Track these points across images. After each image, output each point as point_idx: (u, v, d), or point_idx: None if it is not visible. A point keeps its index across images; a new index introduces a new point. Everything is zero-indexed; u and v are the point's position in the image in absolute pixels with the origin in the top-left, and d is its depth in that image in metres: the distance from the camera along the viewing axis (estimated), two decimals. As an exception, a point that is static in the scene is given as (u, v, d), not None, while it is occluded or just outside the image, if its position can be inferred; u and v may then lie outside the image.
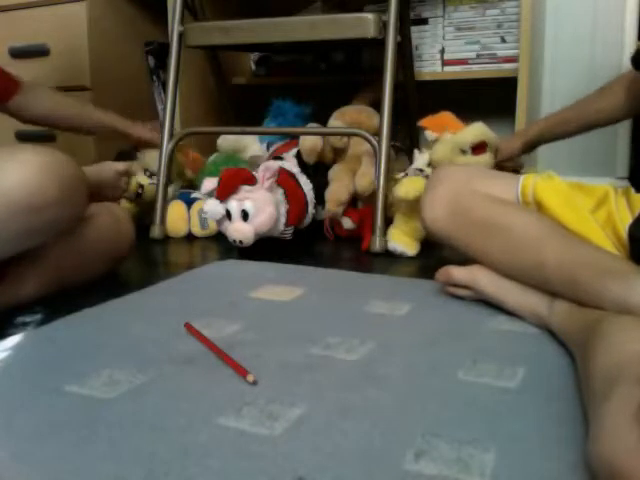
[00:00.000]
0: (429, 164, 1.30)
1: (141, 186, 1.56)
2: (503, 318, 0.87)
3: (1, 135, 1.95)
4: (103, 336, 0.83)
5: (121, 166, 1.34)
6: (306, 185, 1.43)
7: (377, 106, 1.40)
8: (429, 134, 1.30)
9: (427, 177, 1.25)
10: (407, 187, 1.25)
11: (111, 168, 1.30)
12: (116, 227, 1.10)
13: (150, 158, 1.59)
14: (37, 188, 0.86)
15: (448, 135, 1.27)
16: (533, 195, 0.89)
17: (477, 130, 1.25)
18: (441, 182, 0.94)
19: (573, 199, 0.87)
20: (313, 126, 1.59)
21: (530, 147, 1.38)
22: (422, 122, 1.34)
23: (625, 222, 0.82)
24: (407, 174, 1.31)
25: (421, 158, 1.32)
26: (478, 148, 1.25)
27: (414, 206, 1.26)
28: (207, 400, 0.64)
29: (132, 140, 1.61)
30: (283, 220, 1.31)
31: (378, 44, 1.37)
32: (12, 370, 0.73)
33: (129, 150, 1.64)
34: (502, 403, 0.63)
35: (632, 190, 0.87)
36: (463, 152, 1.25)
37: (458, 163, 1.24)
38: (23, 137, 1.96)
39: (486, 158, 1.25)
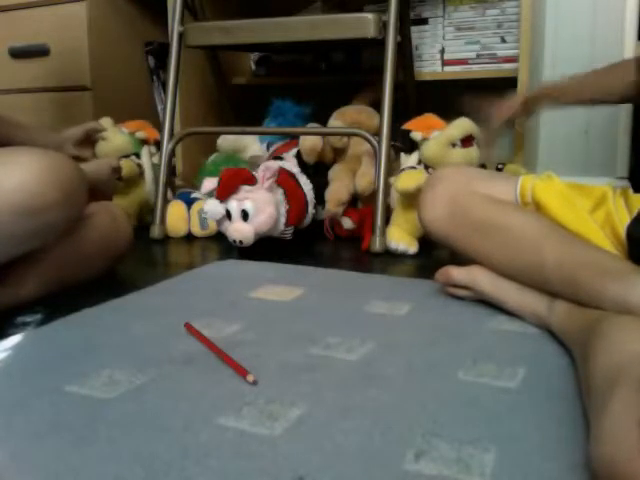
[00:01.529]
0: (419, 162, 1.36)
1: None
2: (503, 318, 0.87)
3: None
4: (103, 336, 0.83)
5: (115, 162, 1.34)
6: (306, 185, 1.43)
7: (377, 106, 1.40)
8: (416, 135, 1.36)
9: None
10: (406, 180, 1.29)
11: (107, 165, 1.31)
12: (114, 225, 1.10)
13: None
14: (38, 191, 0.86)
15: (436, 132, 1.34)
16: (532, 196, 0.89)
17: (465, 124, 1.32)
18: (440, 182, 0.94)
19: (572, 199, 0.87)
20: (313, 126, 1.59)
21: (532, 107, 1.31)
22: (407, 125, 1.40)
23: (623, 222, 0.82)
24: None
25: (410, 159, 1.38)
26: (466, 141, 1.32)
27: (412, 203, 1.28)
28: (207, 400, 0.64)
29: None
30: (283, 220, 1.31)
31: (378, 44, 1.37)
32: (12, 370, 0.73)
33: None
34: (502, 403, 0.63)
35: (630, 190, 0.87)
36: (453, 145, 1.31)
37: (451, 156, 1.30)
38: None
39: (474, 150, 1.33)
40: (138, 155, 1.61)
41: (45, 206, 0.88)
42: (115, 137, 1.59)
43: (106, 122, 1.61)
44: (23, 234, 0.89)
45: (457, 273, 0.92)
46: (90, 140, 1.51)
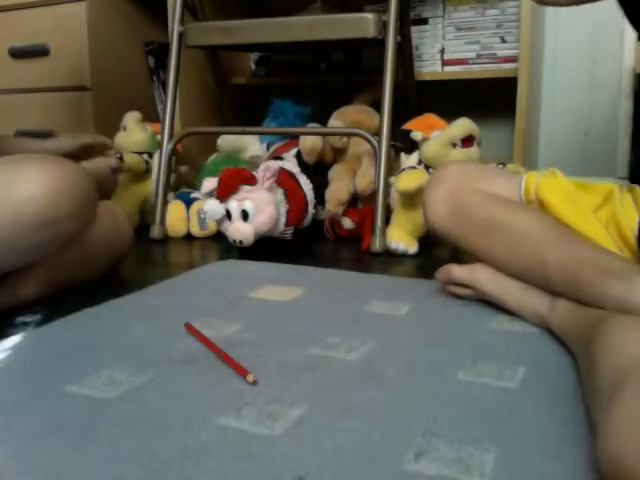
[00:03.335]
0: (419, 162, 1.36)
1: (120, 158, 1.45)
2: (503, 318, 0.87)
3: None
4: (103, 336, 0.83)
5: (113, 162, 1.34)
6: (306, 185, 1.43)
7: (377, 106, 1.40)
8: (416, 135, 1.36)
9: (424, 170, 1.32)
10: (406, 180, 1.29)
11: (106, 164, 1.30)
12: (115, 226, 1.10)
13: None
14: (52, 203, 0.85)
15: (436, 132, 1.34)
16: (536, 194, 0.88)
17: (465, 124, 1.32)
18: (442, 180, 0.94)
19: (576, 197, 0.87)
20: (313, 126, 1.59)
21: None
22: (407, 125, 1.40)
23: (631, 219, 0.81)
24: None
25: (410, 158, 1.38)
26: (466, 141, 1.32)
27: (412, 203, 1.29)
28: (207, 400, 0.64)
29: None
30: (283, 220, 1.31)
31: (378, 44, 1.37)
32: (12, 370, 0.73)
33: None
34: (502, 403, 0.63)
35: (638, 188, 0.86)
36: (454, 145, 1.31)
37: (451, 156, 1.30)
38: (23, 136, 1.96)
39: (474, 150, 1.33)
40: (151, 156, 1.63)
41: (60, 218, 0.87)
42: (136, 132, 1.61)
43: (133, 117, 1.64)
44: (36, 244, 0.88)
45: (458, 271, 0.92)
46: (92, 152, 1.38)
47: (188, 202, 1.55)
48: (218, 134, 1.75)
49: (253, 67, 2.10)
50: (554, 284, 0.79)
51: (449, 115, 1.39)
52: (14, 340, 0.82)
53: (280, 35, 1.46)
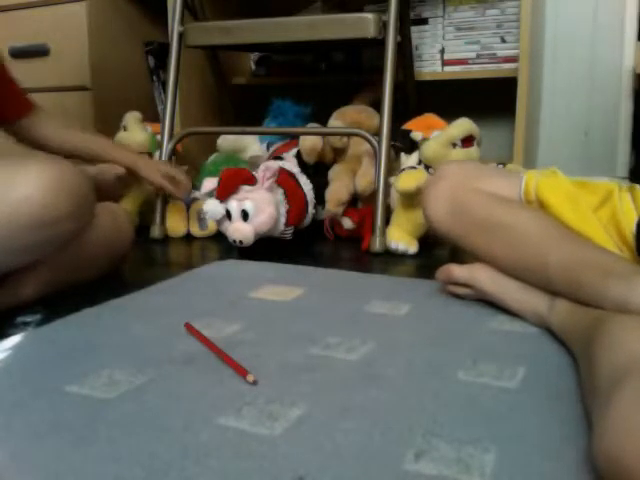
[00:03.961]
0: (419, 162, 1.36)
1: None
2: (503, 318, 0.87)
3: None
4: (103, 336, 0.83)
5: (121, 172, 1.34)
6: (306, 185, 1.43)
7: (377, 106, 1.40)
8: (416, 135, 1.37)
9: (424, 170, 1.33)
10: (406, 180, 1.29)
11: (112, 172, 1.30)
12: (115, 226, 1.10)
13: None
14: (50, 203, 0.86)
15: (436, 132, 1.34)
16: (536, 194, 0.88)
17: (465, 124, 1.33)
18: (442, 179, 0.93)
19: (576, 198, 0.87)
20: (313, 126, 1.59)
21: None
22: (407, 125, 1.41)
23: (629, 218, 0.81)
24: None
25: (410, 158, 1.38)
26: (466, 141, 1.32)
27: (412, 203, 1.30)
28: (207, 400, 0.64)
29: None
30: (283, 220, 1.31)
31: (378, 44, 1.37)
32: (12, 370, 0.73)
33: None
34: (502, 403, 0.63)
35: (637, 187, 0.86)
36: (454, 145, 1.32)
37: (451, 156, 1.31)
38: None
39: (474, 150, 1.34)
40: (151, 156, 1.63)
41: (57, 219, 0.87)
42: (137, 132, 1.61)
43: (133, 117, 1.64)
44: (33, 245, 0.89)
45: (458, 271, 0.92)
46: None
47: (188, 202, 1.55)
48: (218, 134, 1.75)
49: (253, 67, 2.10)
50: (555, 284, 0.79)
51: (449, 115, 1.40)
52: (14, 340, 0.82)
53: (280, 35, 1.46)
